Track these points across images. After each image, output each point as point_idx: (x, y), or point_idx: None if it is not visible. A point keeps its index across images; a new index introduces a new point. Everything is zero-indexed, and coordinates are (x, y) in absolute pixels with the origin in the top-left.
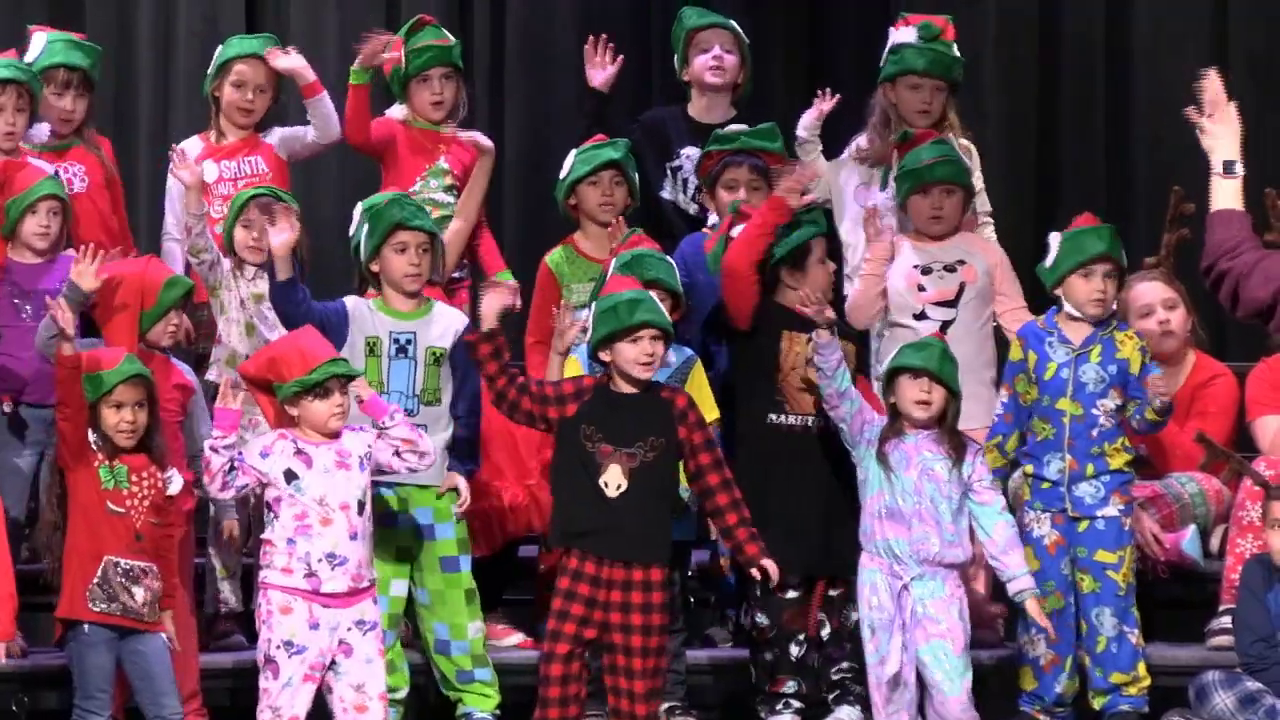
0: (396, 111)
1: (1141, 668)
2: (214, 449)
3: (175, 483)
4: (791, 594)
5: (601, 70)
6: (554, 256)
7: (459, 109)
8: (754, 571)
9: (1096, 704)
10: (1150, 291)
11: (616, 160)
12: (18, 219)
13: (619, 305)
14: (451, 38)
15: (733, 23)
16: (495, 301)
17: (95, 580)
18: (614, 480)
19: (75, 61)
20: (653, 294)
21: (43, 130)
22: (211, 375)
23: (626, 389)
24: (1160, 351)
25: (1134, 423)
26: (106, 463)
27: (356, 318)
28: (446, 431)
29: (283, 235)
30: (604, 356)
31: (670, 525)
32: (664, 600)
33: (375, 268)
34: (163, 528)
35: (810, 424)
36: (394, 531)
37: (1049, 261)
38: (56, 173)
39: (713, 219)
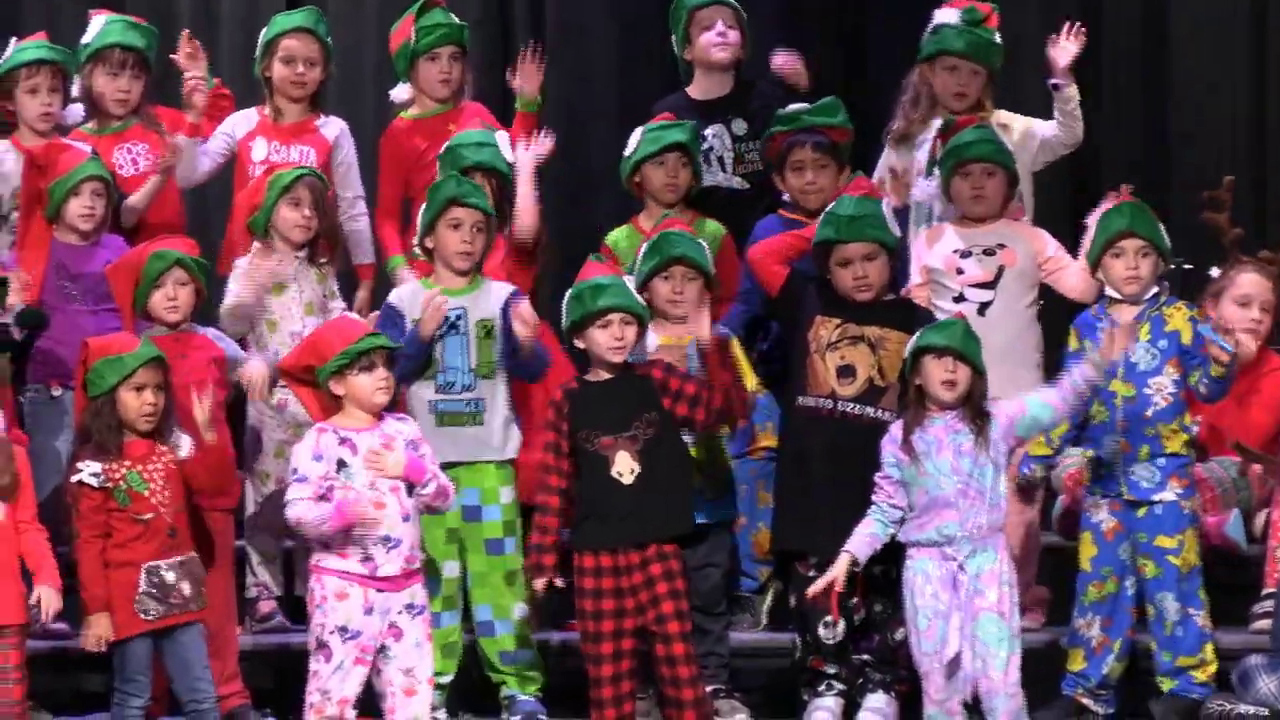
0: (401, 92)
1: (1209, 650)
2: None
3: (184, 445)
4: (812, 573)
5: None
6: (615, 235)
7: (464, 90)
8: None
9: (1165, 686)
10: (1255, 285)
11: (683, 142)
12: (61, 201)
13: (584, 291)
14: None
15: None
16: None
17: (141, 590)
18: (625, 467)
19: (131, 42)
20: (679, 269)
21: (76, 111)
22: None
23: (604, 375)
24: (1238, 346)
25: (1201, 388)
26: (118, 484)
27: (407, 304)
28: (505, 402)
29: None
30: (579, 344)
31: (688, 492)
32: (684, 569)
33: (430, 243)
34: (191, 496)
35: (832, 407)
36: (440, 514)
37: (1085, 247)
38: (94, 154)
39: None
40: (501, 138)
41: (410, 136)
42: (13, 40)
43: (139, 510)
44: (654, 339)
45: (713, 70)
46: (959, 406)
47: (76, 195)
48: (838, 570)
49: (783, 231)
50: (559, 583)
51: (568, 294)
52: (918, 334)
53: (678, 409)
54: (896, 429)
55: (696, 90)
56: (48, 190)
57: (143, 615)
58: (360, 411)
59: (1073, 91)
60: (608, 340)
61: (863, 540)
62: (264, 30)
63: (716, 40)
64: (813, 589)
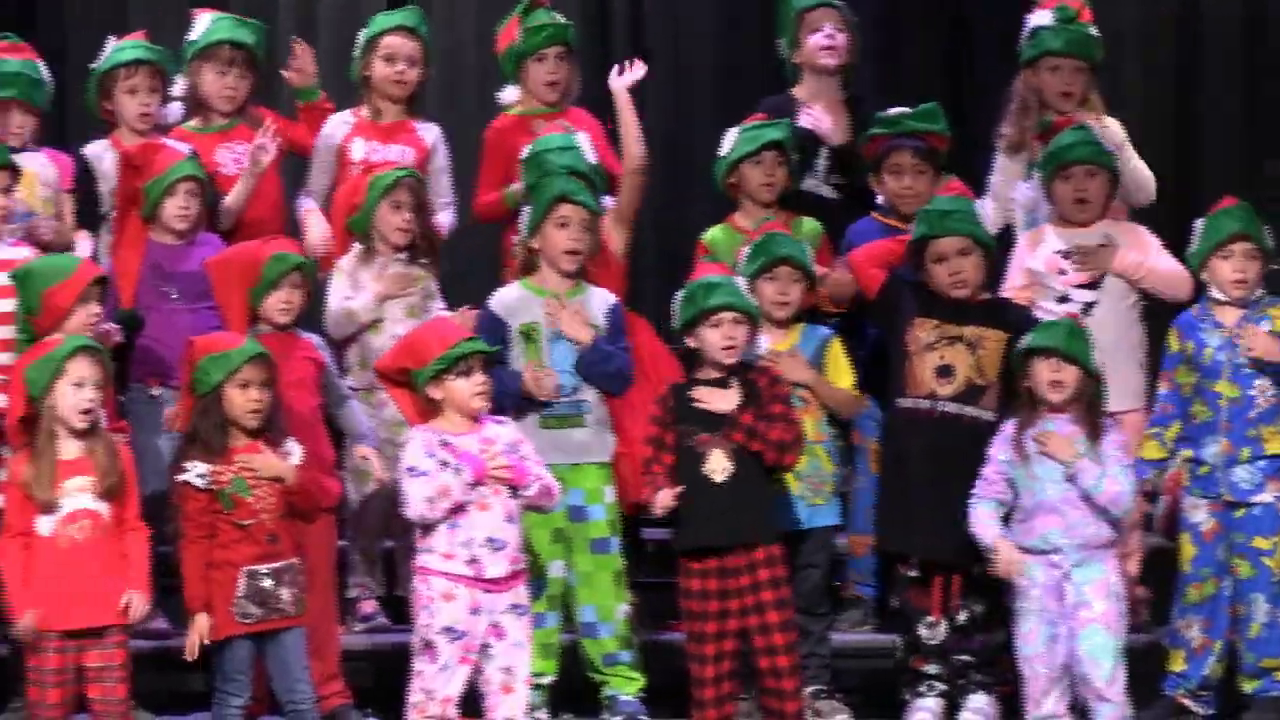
0: (510, 94)
1: None
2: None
3: (294, 454)
4: (913, 573)
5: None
6: (712, 234)
7: (572, 91)
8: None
9: (1247, 687)
10: None
11: (779, 140)
12: (157, 201)
13: (696, 290)
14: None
15: (841, 1)
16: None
17: (239, 594)
18: (719, 466)
19: (241, 39)
20: (784, 270)
21: (175, 110)
22: (349, 381)
23: (713, 375)
24: None
25: None
26: (223, 487)
27: (510, 310)
28: (604, 404)
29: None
30: (691, 343)
31: (779, 496)
32: (788, 572)
33: (536, 244)
34: (295, 506)
35: (931, 407)
36: (548, 513)
37: (1192, 247)
38: (194, 154)
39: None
40: (583, 139)
41: (515, 133)
42: (111, 40)
43: (241, 516)
44: (765, 340)
45: (820, 74)
46: (1070, 408)
47: (172, 195)
48: (1011, 558)
49: (877, 234)
50: (673, 496)
51: (679, 294)
52: (1027, 335)
53: (773, 408)
54: (1010, 427)
55: (803, 92)
56: (143, 190)
57: (241, 619)
58: (458, 416)
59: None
60: (719, 339)
61: (998, 529)
62: (364, 29)
63: (824, 44)
64: (1004, 568)
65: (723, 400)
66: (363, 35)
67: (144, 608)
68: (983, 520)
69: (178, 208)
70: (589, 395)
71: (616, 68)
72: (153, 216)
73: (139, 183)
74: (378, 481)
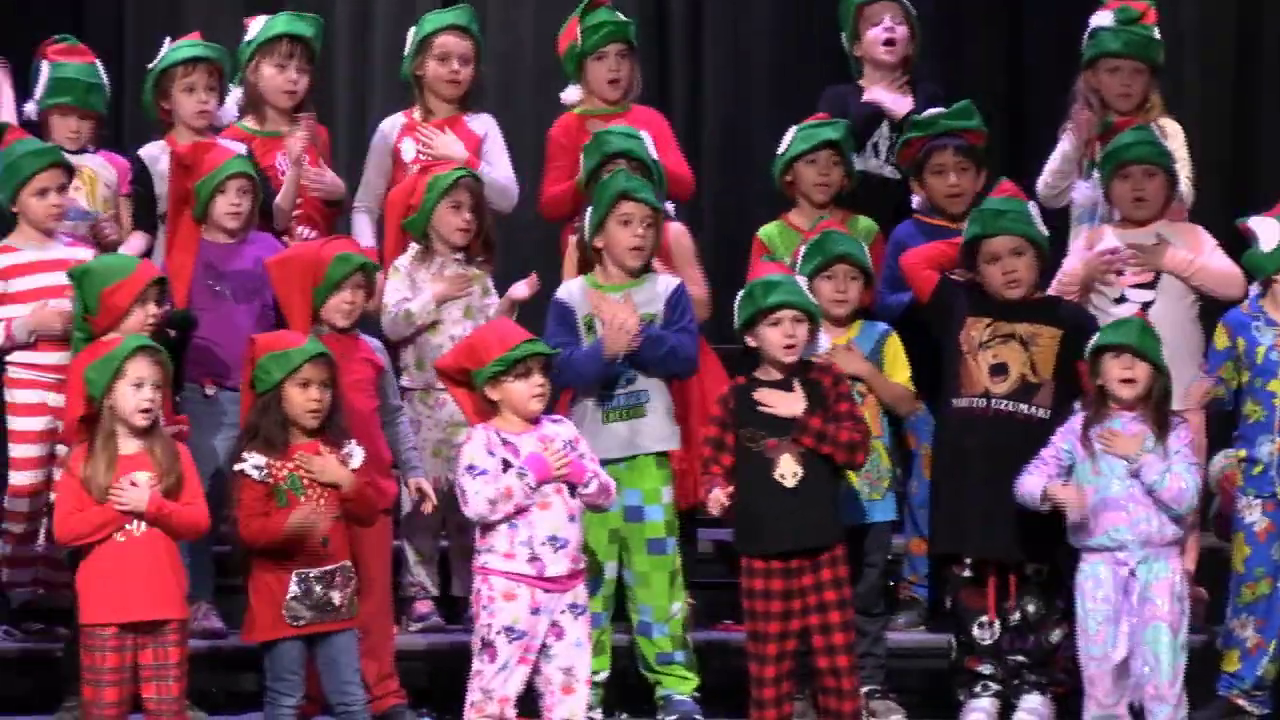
0: (571, 94)
1: None
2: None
3: (356, 457)
4: (966, 573)
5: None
6: (768, 229)
7: (634, 88)
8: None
9: None
10: None
11: (835, 140)
12: (208, 200)
13: (756, 288)
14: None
15: None
16: None
17: (290, 596)
18: (789, 470)
19: (299, 31)
20: (842, 268)
21: (230, 110)
22: (404, 381)
23: (775, 375)
24: None
25: None
26: (279, 483)
27: (575, 301)
28: (666, 394)
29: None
30: (751, 341)
31: (843, 494)
32: (849, 573)
33: (599, 243)
34: (351, 511)
35: (986, 405)
36: (605, 513)
37: (1265, 247)
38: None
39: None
40: (645, 138)
41: (580, 132)
42: (167, 40)
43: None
44: (825, 339)
45: (880, 68)
46: (1138, 406)
47: (223, 193)
48: (1070, 494)
49: (920, 236)
50: (726, 496)
51: (740, 293)
52: (1098, 333)
53: (839, 406)
54: (1077, 420)
55: (864, 84)
56: (194, 189)
57: (291, 621)
58: (515, 417)
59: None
60: (779, 338)
61: (1044, 480)
62: (415, 28)
63: (884, 37)
64: (1074, 504)
65: (790, 404)
66: (414, 34)
67: (141, 496)
68: (1028, 484)
69: (229, 205)
70: (649, 385)
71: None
72: (204, 216)
73: (190, 183)
74: (434, 481)
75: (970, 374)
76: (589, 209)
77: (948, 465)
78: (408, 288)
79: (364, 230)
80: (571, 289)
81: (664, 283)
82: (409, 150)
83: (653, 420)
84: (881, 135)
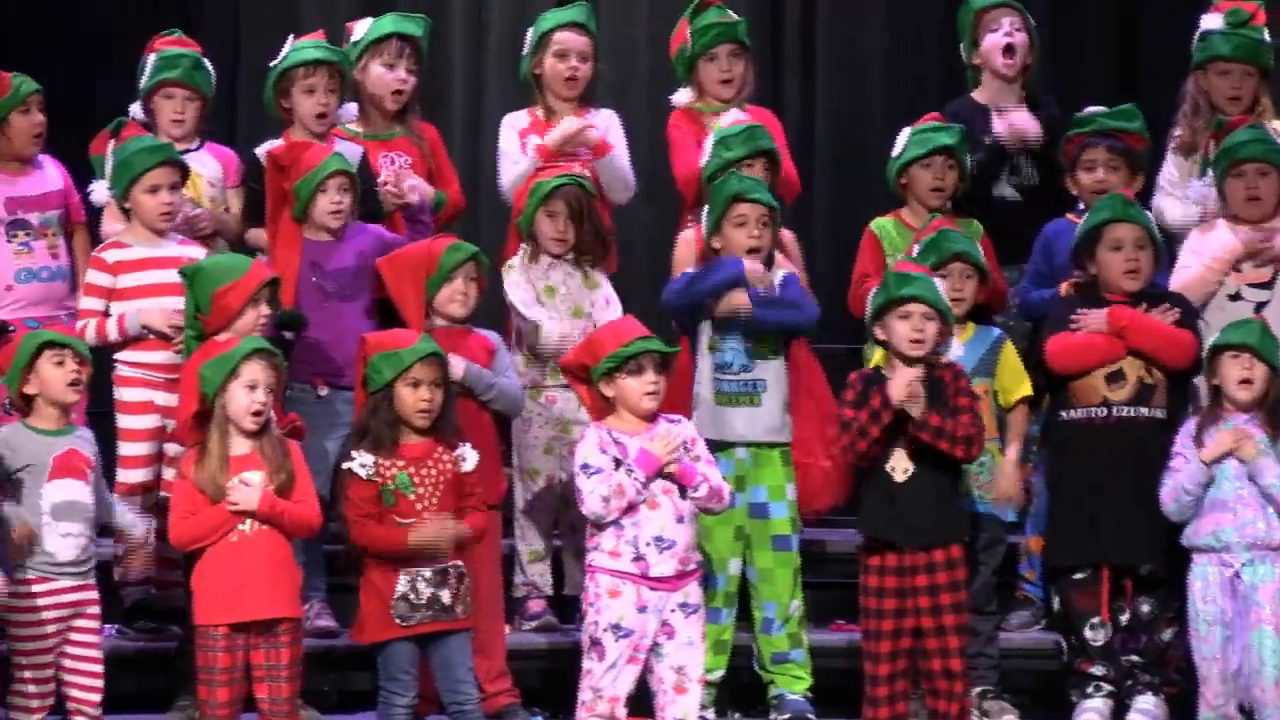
0: (683, 96)
1: None
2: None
3: (469, 459)
4: (1079, 575)
5: None
6: (882, 221)
7: (746, 87)
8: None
9: None
10: None
11: (950, 145)
12: (309, 199)
13: (890, 278)
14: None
15: (1019, 3)
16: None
17: (397, 595)
18: (900, 465)
19: (408, 30)
20: (957, 266)
21: (350, 110)
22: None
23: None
24: None
25: None
26: (387, 482)
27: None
28: (784, 384)
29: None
30: (879, 334)
31: (961, 496)
32: (966, 575)
33: (717, 243)
34: (464, 508)
35: (1107, 414)
36: (730, 510)
37: None
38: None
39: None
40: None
41: (694, 122)
42: (290, 38)
43: (403, 513)
44: (958, 347)
45: (1000, 77)
46: (1255, 409)
47: (323, 192)
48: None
49: (1069, 235)
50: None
51: (874, 288)
52: (1215, 334)
53: (959, 400)
54: (1192, 423)
55: (982, 96)
56: (293, 190)
57: (399, 621)
58: (630, 415)
59: None
60: (907, 331)
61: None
62: (533, 27)
63: (1003, 42)
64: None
65: (897, 385)
66: (532, 33)
67: (250, 496)
68: (1167, 494)
69: (330, 204)
70: (766, 375)
71: None
72: (304, 215)
73: (287, 183)
74: (546, 479)
75: (1084, 384)
76: (705, 209)
77: (1072, 477)
78: (525, 286)
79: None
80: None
81: (776, 274)
82: (530, 151)
83: (768, 409)
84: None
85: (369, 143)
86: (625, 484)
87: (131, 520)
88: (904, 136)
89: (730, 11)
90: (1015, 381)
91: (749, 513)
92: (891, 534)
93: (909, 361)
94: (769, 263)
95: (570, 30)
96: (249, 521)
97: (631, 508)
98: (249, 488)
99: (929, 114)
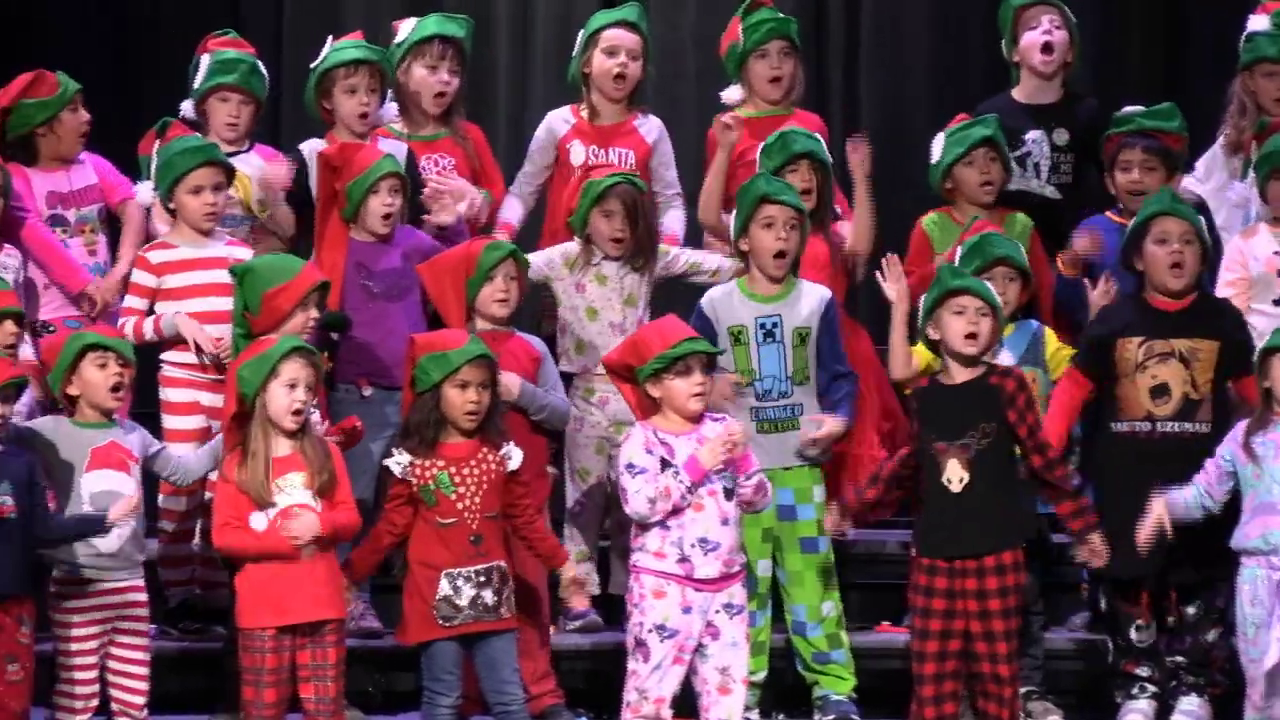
0: (733, 93)
1: None
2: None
3: (514, 458)
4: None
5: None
6: (930, 218)
7: (796, 89)
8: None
9: None
10: None
11: (989, 136)
12: (360, 200)
13: (944, 272)
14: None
15: (1059, 0)
16: None
17: (439, 595)
18: (955, 475)
19: (450, 32)
20: (1000, 270)
21: (390, 111)
22: (563, 365)
23: (958, 377)
24: None
25: None
26: (425, 482)
27: (720, 310)
28: (818, 406)
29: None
30: (932, 333)
31: (1020, 504)
32: (1019, 581)
33: (744, 245)
34: (508, 508)
35: (1151, 429)
36: (758, 513)
37: None
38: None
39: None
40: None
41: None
42: (330, 38)
43: (443, 513)
44: (1006, 352)
45: (1039, 75)
46: None
47: (375, 193)
48: (1154, 514)
49: (1110, 230)
50: (848, 531)
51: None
52: (1268, 336)
53: (1019, 429)
54: (1240, 427)
55: (1021, 93)
56: (344, 190)
57: (441, 622)
58: (676, 416)
59: None
60: (962, 326)
61: (1176, 500)
62: (584, 26)
63: (1041, 40)
64: (1142, 534)
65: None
66: (583, 31)
67: (308, 524)
68: (1176, 493)
69: (383, 205)
70: (805, 399)
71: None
72: (355, 216)
73: (339, 184)
74: (597, 478)
75: (1129, 396)
76: (733, 212)
77: (1116, 491)
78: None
79: (513, 209)
80: (716, 297)
81: (814, 294)
82: (578, 153)
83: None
84: (1042, 155)
85: (413, 143)
86: (672, 487)
87: (191, 461)
88: (939, 141)
89: (780, 11)
90: (1060, 359)
91: (777, 515)
92: (946, 551)
93: (964, 361)
94: (795, 268)
95: (621, 28)
96: (309, 547)
97: (676, 510)
98: (303, 517)
99: (959, 115)
